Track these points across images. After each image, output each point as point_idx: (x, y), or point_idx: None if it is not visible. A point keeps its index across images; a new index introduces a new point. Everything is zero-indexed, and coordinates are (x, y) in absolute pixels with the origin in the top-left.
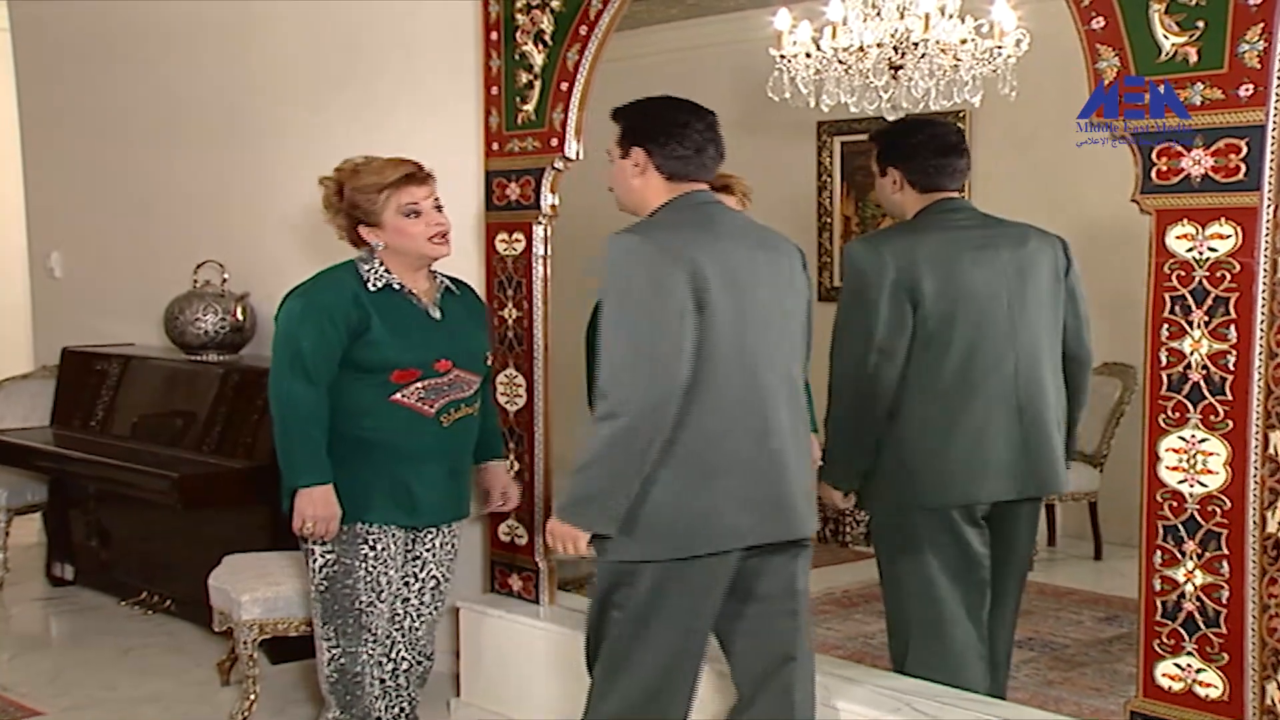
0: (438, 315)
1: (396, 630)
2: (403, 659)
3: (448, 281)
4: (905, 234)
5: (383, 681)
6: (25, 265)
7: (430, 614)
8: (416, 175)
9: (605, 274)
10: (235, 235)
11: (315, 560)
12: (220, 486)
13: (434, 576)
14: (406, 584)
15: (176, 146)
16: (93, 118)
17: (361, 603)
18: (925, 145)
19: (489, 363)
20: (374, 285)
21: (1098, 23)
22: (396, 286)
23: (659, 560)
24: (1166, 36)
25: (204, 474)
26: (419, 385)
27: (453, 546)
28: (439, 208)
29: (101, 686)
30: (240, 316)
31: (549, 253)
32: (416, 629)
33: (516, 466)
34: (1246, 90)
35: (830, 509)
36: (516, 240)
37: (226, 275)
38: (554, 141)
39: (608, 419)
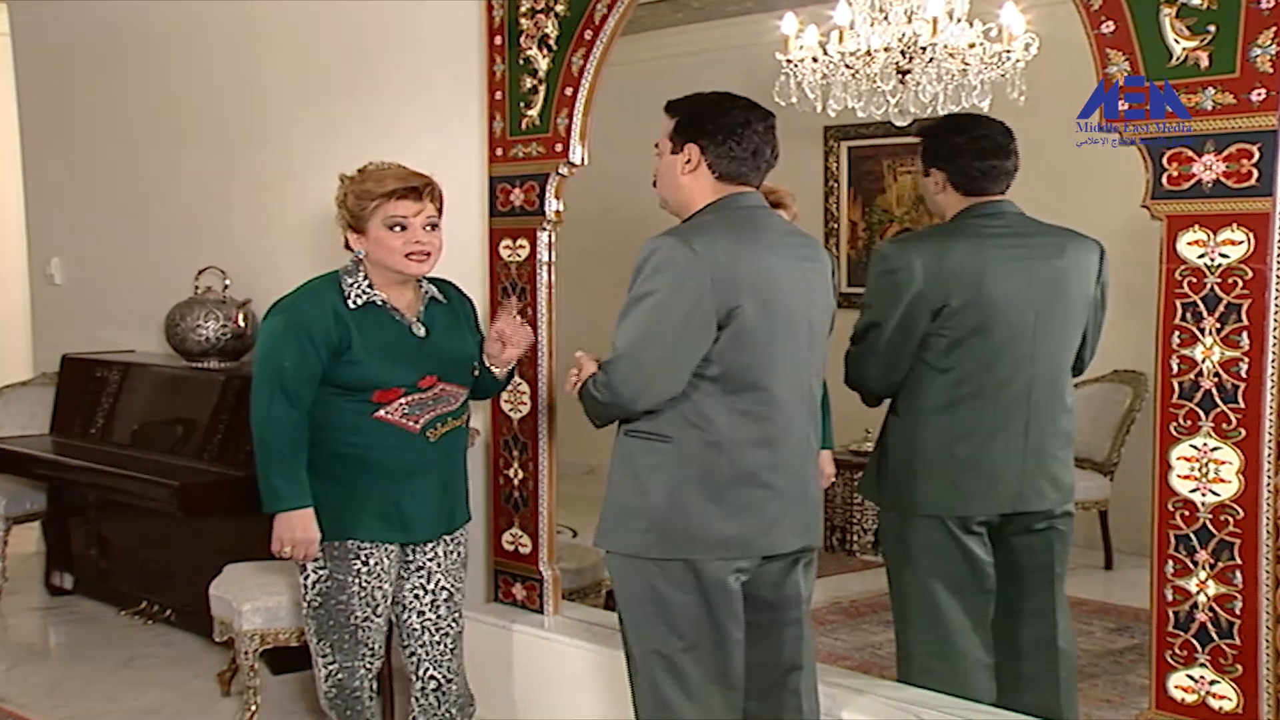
0: (421, 332)
1: (421, 647)
2: (430, 677)
3: (433, 290)
4: (938, 239)
5: (416, 699)
6: (25, 271)
7: (450, 626)
8: (415, 190)
9: (635, 272)
10: (237, 241)
11: (308, 577)
12: (221, 495)
13: (444, 588)
14: (417, 597)
15: (178, 152)
16: (93, 123)
17: (356, 618)
18: (970, 146)
19: (476, 374)
20: (355, 302)
21: (1108, 27)
22: (379, 303)
23: (650, 559)
24: (1177, 41)
25: (205, 482)
26: (402, 401)
27: (459, 555)
28: (432, 226)
29: (101, 698)
30: (242, 323)
31: (553, 259)
32: (438, 643)
33: (521, 475)
34: (1258, 95)
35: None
36: (520, 246)
37: (228, 282)
38: (558, 147)
39: (596, 385)
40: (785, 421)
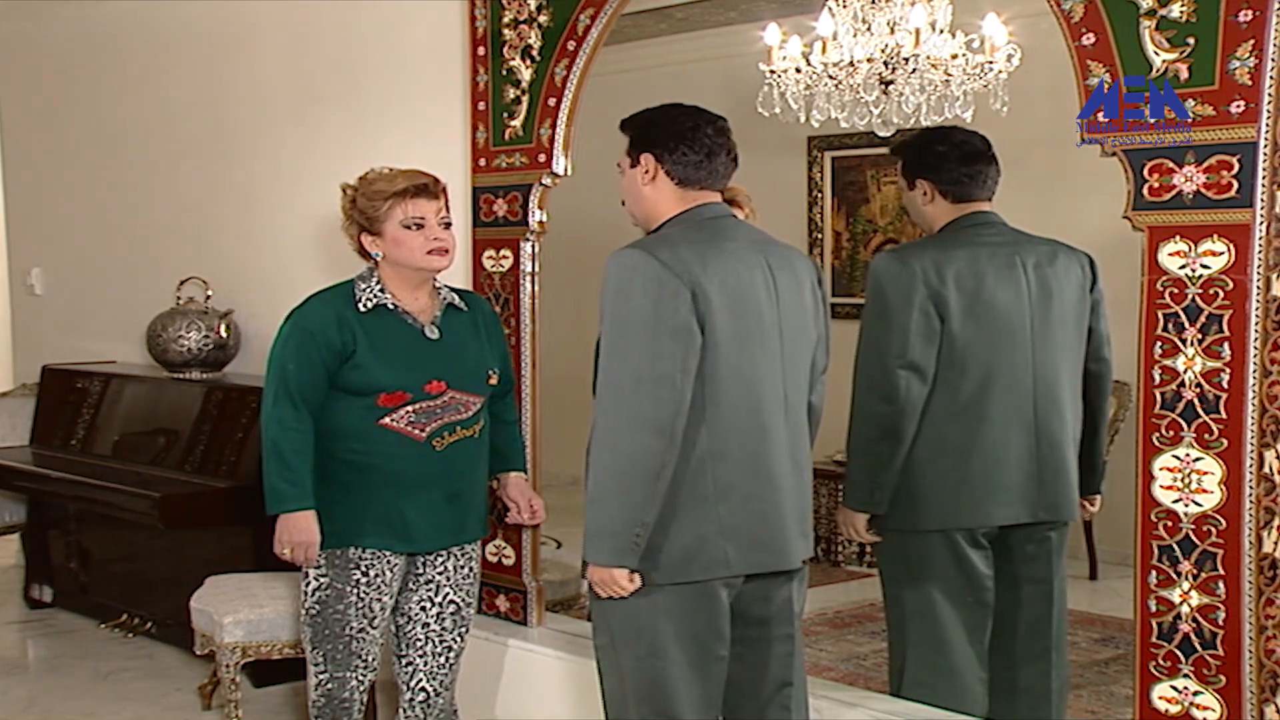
0: (434, 335)
1: (420, 658)
2: (421, 689)
3: (454, 297)
4: (933, 248)
5: (403, 709)
6: (5, 281)
7: (453, 641)
8: (427, 189)
9: (604, 293)
10: (219, 251)
11: (309, 584)
12: (203, 506)
13: (452, 602)
14: (423, 609)
15: (159, 161)
16: (74, 132)
17: (352, 628)
18: (954, 154)
19: (493, 382)
20: (365, 305)
21: (1088, 39)
22: (390, 306)
23: (656, 585)
24: (1157, 53)
25: (186, 493)
26: (409, 409)
27: (470, 570)
28: (447, 224)
29: (79, 712)
30: (224, 334)
31: (537, 269)
32: (439, 656)
33: None
34: (1238, 107)
35: (850, 536)
36: (504, 257)
37: (210, 292)
38: (542, 157)
39: (612, 446)
40: (765, 434)
